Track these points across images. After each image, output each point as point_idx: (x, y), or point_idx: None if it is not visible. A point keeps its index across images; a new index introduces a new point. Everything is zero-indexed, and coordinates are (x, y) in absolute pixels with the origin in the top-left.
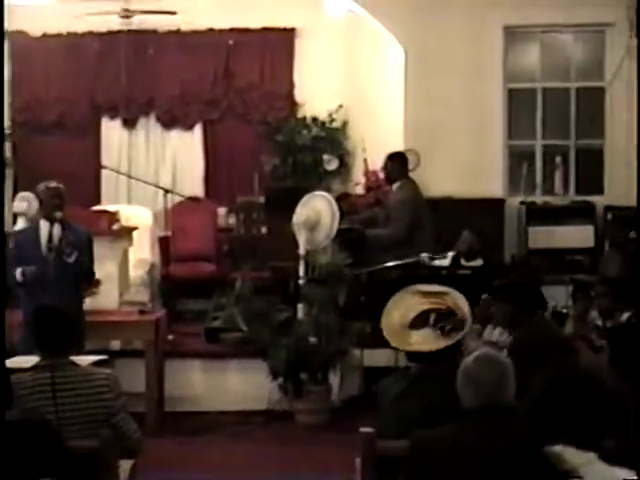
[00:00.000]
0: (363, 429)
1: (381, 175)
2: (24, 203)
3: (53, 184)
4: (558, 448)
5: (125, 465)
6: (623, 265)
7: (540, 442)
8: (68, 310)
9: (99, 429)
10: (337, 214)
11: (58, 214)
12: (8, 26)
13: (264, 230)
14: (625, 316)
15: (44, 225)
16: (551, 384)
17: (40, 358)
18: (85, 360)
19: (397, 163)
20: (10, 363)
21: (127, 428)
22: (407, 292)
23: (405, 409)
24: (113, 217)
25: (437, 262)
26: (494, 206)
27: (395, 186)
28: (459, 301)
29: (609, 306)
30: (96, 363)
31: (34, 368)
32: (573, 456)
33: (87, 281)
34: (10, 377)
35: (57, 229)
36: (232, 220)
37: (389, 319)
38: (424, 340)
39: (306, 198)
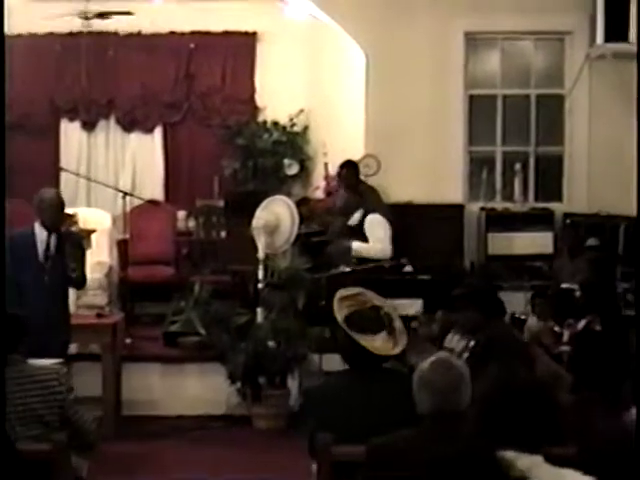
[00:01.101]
0: (319, 434)
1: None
2: None
3: (52, 194)
4: (508, 454)
5: (80, 465)
6: (578, 272)
7: (491, 447)
8: (41, 315)
9: (53, 423)
10: (297, 218)
11: (62, 228)
12: None
13: (224, 234)
14: (582, 323)
15: (40, 232)
16: (493, 389)
17: None
18: (41, 363)
19: (351, 170)
20: None
21: (82, 421)
22: (335, 301)
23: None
24: (71, 219)
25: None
26: (454, 212)
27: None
28: (377, 298)
29: (566, 313)
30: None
31: None
32: (521, 460)
33: (79, 286)
34: None
35: (54, 238)
36: (192, 224)
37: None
38: (385, 344)
39: (266, 202)
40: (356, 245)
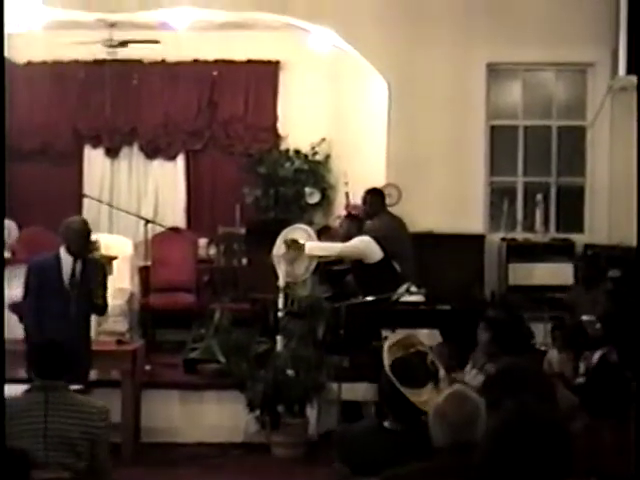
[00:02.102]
0: (337, 464)
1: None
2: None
3: (79, 221)
4: None
5: None
6: (596, 303)
7: None
8: (65, 341)
9: (84, 454)
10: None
11: (86, 253)
12: None
13: (244, 262)
14: (597, 354)
15: (66, 258)
16: (505, 424)
17: (35, 382)
18: (86, 397)
19: (375, 198)
20: None
21: (105, 463)
22: (386, 348)
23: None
24: (93, 246)
25: (414, 297)
26: (475, 242)
27: (370, 222)
28: (421, 342)
29: (582, 345)
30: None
31: (29, 390)
32: None
33: (102, 313)
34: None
35: (80, 264)
36: (213, 251)
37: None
38: (431, 398)
39: (287, 231)
40: (311, 244)
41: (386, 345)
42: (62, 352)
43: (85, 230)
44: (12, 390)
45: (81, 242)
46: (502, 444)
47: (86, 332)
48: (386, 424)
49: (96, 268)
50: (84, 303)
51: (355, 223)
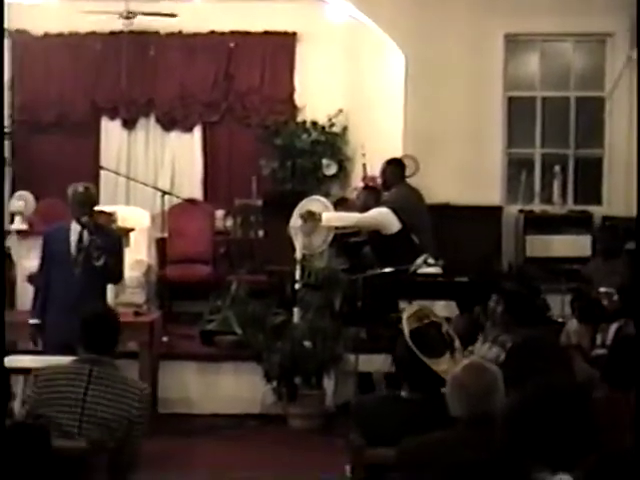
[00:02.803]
0: (353, 435)
1: (379, 180)
2: (21, 202)
3: (80, 188)
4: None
5: None
6: (613, 274)
7: (520, 458)
8: (114, 314)
9: (117, 432)
10: None
11: (84, 219)
12: (9, 25)
13: (261, 234)
14: (614, 326)
15: (74, 227)
16: (527, 400)
17: (81, 354)
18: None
19: (394, 169)
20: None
21: (136, 445)
22: (404, 319)
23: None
24: (110, 218)
25: (432, 269)
26: (492, 214)
27: (387, 193)
28: (434, 313)
29: (600, 317)
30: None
31: (76, 360)
32: None
33: (115, 281)
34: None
35: (86, 232)
36: (229, 223)
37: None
38: (449, 367)
39: (303, 202)
40: (327, 215)
41: (405, 315)
42: (110, 326)
43: (79, 197)
44: (31, 361)
45: (76, 209)
46: (527, 419)
47: (99, 299)
48: (403, 394)
49: (111, 238)
50: (92, 270)
51: (373, 194)
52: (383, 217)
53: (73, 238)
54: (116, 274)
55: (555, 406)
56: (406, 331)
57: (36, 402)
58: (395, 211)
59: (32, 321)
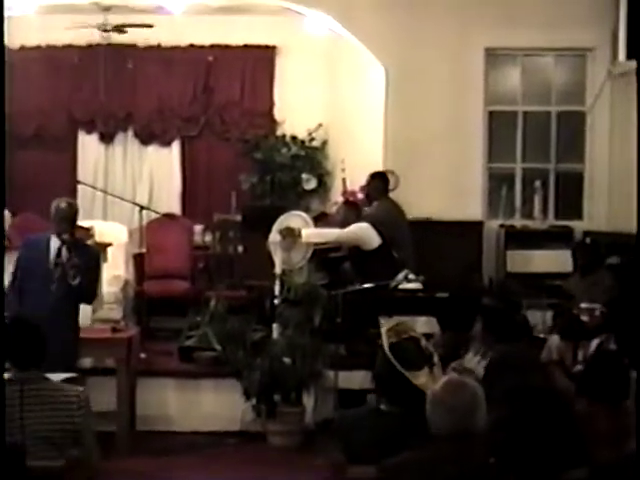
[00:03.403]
0: (333, 454)
1: (360, 195)
2: None
3: (63, 204)
4: None
5: None
6: (592, 290)
7: (503, 474)
8: (45, 324)
9: (65, 446)
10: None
11: (65, 236)
12: None
13: (240, 249)
14: (595, 342)
15: (54, 241)
16: (509, 415)
17: (12, 372)
18: (55, 378)
19: (378, 183)
20: None
21: (91, 452)
22: (383, 332)
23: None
24: (87, 233)
25: (412, 285)
26: (473, 229)
27: (369, 207)
28: (413, 328)
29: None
30: (66, 381)
31: (7, 381)
32: None
33: (88, 301)
34: None
35: (65, 249)
36: (208, 238)
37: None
38: (428, 381)
39: (283, 217)
40: (307, 231)
41: (384, 328)
42: (36, 337)
43: (66, 211)
44: None
45: (61, 223)
46: (510, 434)
47: (70, 316)
48: (382, 407)
49: (89, 256)
50: (67, 287)
51: (353, 210)
52: (363, 232)
53: (52, 252)
54: (90, 294)
55: (538, 419)
56: (385, 344)
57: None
58: (375, 226)
59: None
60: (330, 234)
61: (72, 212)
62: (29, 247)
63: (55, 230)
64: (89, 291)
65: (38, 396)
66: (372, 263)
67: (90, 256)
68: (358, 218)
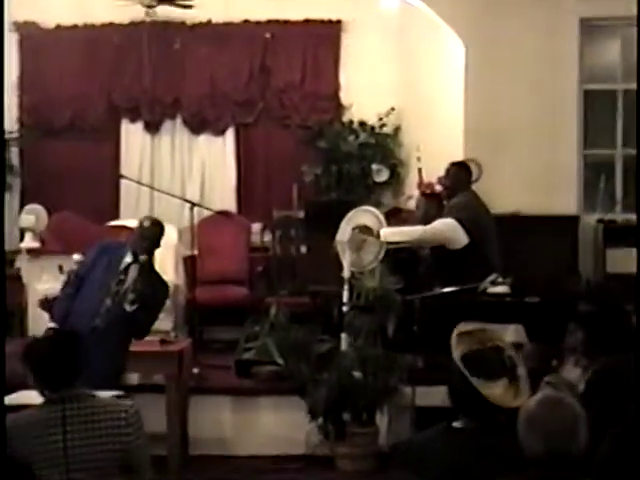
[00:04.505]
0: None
1: (438, 187)
2: (31, 216)
3: (147, 222)
4: None
5: None
6: None
7: None
8: (84, 336)
9: (113, 468)
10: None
11: (141, 257)
12: (17, 16)
13: (304, 249)
14: None
15: (128, 256)
16: (622, 441)
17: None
18: (100, 396)
19: (460, 172)
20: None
21: (143, 474)
22: (454, 336)
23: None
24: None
25: (499, 288)
26: (567, 224)
27: (450, 201)
28: (500, 338)
29: None
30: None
31: (43, 403)
32: None
33: (138, 335)
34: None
35: (135, 269)
36: (267, 238)
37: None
38: (506, 393)
39: (351, 213)
40: (386, 230)
41: (455, 333)
42: (69, 351)
43: (151, 231)
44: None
45: (144, 243)
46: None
47: (118, 342)
48: (456, 424)
49: (159, 288)
50: (122, 310)
51: (434, 203)
52: (450, 229)
53: (121, 266)
54: (143, 329)
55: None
56: (455, 349)
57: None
58: (462, 222)
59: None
60: (413, 232)
61: (156, 232)
62: (102, 253)
63: (132, 246)
64: (142, 325)
65: (82, 415)
66: (457, 264)
67: (159, 290)
68: (439, 213)
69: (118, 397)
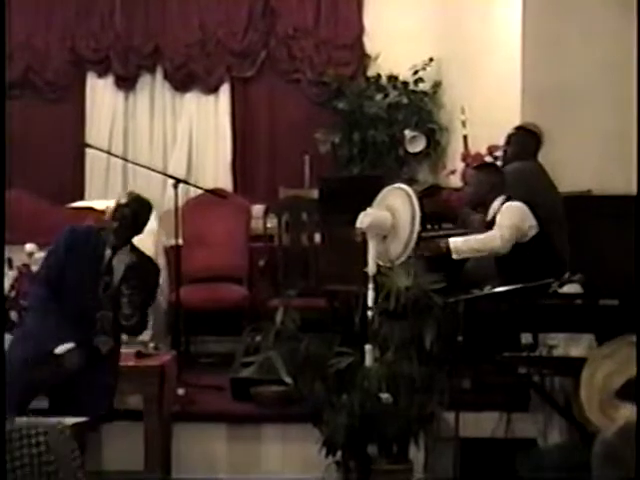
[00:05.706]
0: None
1: (488, 159)
2: None
3: (124, 199)
4: None
5: None
6: None
7: None
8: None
9: None
10: (418, 215)
11: (123, 252)
12: None
13: (317, 238)
14: None
15: (107, 250)
16: None
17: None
18: (61, 423)
19: (527, 138)
20: None
21: None
22: (624, 342)
23: None
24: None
25: (567, 288)
26: None
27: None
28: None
29: None
30: (73, 426)
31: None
32: None
33: (131, 332)
34: None
35: (120, 266)
36: (272, 224)
37: (592, 378)
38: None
39: (383, 193)
40: (453, 241)
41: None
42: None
43: (116, 210)
44: None
45: (122, 229)
46: None
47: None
48: None
49: (147, 269)
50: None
51: (492, 175)
52: (523, 219)
53: (102, 263)
54: (135, 330)
55: None
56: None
57: None
58: (530, 205)
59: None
60: (488, 241)
61: (138, 212)
62: (73, 244)
63: (110, 236)
64: (141, 324)
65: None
66: (517, 257)
67: (151, 273)
68: (495, 190)
69: (82, 425)
